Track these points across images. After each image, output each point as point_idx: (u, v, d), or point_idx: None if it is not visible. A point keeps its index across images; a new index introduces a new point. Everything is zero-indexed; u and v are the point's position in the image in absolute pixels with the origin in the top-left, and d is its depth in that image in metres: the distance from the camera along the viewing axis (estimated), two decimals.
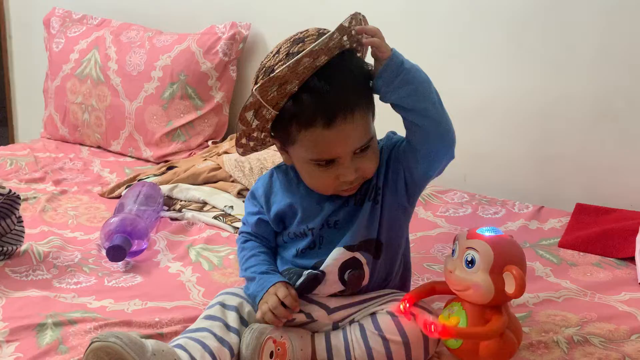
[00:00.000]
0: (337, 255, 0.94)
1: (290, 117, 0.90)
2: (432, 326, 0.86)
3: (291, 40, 0.92)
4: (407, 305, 0.92)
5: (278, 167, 1.03)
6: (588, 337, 1.01)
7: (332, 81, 0.88)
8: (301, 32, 0.93)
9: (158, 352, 0.83)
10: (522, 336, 0.95)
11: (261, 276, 0.96)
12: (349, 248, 0.94)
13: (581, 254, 1.34)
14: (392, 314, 0.92)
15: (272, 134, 0.97)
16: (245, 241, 1.03)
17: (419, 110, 0.89)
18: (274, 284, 0.93)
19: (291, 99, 0.89)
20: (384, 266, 0.98)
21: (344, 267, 0.94)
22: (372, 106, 0.93)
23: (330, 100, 0.87)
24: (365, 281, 0.97)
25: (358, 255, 0.95)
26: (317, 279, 0.94)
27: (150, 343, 0.84)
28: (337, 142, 0.89)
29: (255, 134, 0.98)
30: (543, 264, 1.29)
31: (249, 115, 0.92)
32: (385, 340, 0.90)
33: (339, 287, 0.96)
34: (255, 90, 0.88)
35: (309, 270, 0.94)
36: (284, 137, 0.93)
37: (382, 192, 0.96)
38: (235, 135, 0.99)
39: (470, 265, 0.89)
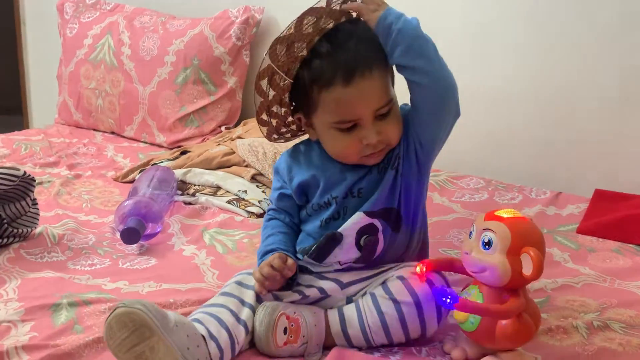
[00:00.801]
0: (356, 220, 0.94)
1: (310, 81, 0.92)
2: (449, 297, 0.85)
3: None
4: (424, 269, 0.91)
5: (301, 143, 1.04)
6: (608, 322, 0.99)
7: (346, 42, 0.91)
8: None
9: (180, 324, 0.83)
10: (540, 321, 0.93)
11: (271, 253, 0.96)
12: (368, 214, 0.94)
13: (600, 240, 1.32)
14: (401, 278, 0.91)
15: (293, 106, 0.97)
16: (270, 219, 1.03)
17: (415, 67, 0.90)
18: (273, 254, 0.94)
19: (305, 65, 0.91)
20: (402, 240, 0.97)
21: (361, 232, 0.94)
22: (389, 68, 0.94)
23: (348, 58, 0.90)
24: (380, 249, 0.96)
25: (376, 222, 0.95)
26: (335, 239, 0.94)
27: (171, 314, 0.84)
28: (358, 101, 0.90)
29: (274, 109, 0.98)
30: (561, 250, 1.27)
31: (264, 84, 0.95)
32: (396, 302, 0.89)
33: (355, 253, 0.95)
34: (265, 54, 0.91)
35: (327, 233, 0.95)
36: (306, 105, 0.94)
37: (402, 161, 0.96)
38: (255, 115, 1.00)
39: (487, 246, 0.88)
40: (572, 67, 1.58)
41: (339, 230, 0.94)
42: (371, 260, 0.97)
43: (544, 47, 1.60)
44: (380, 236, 0.95)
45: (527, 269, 0.85)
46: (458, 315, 0.90)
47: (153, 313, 0.80)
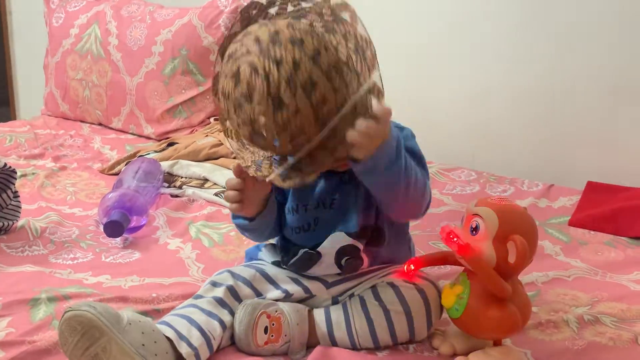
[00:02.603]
0: (334, 239, 0.90)
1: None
2: (456, 238, 0.83)
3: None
4: (412, 267, 0.89)
5: None
6: (599, 316, 0.98)
7: None
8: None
9: (134, 322, 0.80)
10: (530, 314, 0.91)
11: None
12: (348, 234, 0.91)
13: (592, 232, 1.30)
14: (392, 285, 0.89)
15: None
16: None
17: (381, 200, 0.86)
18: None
19: None
20: (389, 251, 0.95)
21: (341, 251, 0.91)
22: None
23: None
24: (365, 266, 0.93)
25: (357, 243, 0.91)
26: (311, 259, 0.91)
27: (126, 313, 0.81)
28: None
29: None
30: (552, 243, 1.25)
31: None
32: (386, 310, 0.87)
33: (335, 270, 0.93)
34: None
35: (305, 250, 0.91)
36: None
37: None
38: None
39: (474, 232, 0.86)
40: (563, 60, 1.56)
41: (317, 249, 0.91)
42: (354, 272, 0.94)
43: (536, 40, 1.58)
44: (363, 255, 0.92)
45: (512, 257, 0.84)
46: (444, 300, 0.89)
47: (102, 313, 0.77)
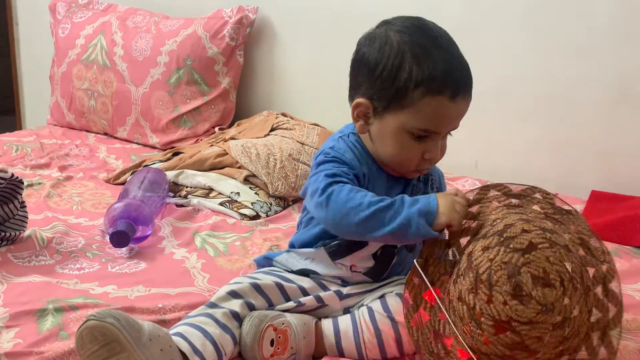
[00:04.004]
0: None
1: (419, 81, 0.86)
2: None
3: None
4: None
5: (346, 136, 0.96)
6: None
7: (458, 53, 0.90)
8: None
9: (154, 337, 0.80)
10: None
11: (404, 199, 0.85)
12: None
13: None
14: (400, 295, 0.89)
15: (368, 95, 0.90)
16: (341, 189, 0.86)
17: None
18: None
19: (415, 60, 0.86)
20: (411, 258, 0.96)
21: (382, 245, 0.93)
22: None
23: (462, 72, 0.89)
24: (391, 264, 0.95)
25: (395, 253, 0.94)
26: (361, 243, 0.92)
27: (147, 326, 0.81)
28: (453, 117, 0.89)
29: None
30: None
31: None
32: (394, 322, 0.88)
33: (370, 262, 0.95)
34: None
35: None
36: (395, 99, 0.87)
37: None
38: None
39: None
40: (568, 67, 1.56)
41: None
42: (380, 276, 0.96)
43: (540, 46, 1.59)
44: (395, 253, 0.95)
45: None
46: None
47: (125, 327, 0.77)
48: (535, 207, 0.87)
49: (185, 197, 1.49)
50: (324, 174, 0.89)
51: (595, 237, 0.86)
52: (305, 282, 0.96)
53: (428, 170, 0.96)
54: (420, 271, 0.84)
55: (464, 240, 0.85)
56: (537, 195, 0.89)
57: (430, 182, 1.00)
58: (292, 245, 1.02)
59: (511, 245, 0.78)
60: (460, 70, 0.88)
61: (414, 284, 0.85)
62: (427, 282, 0.83)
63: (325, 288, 0.95)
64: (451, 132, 0.93)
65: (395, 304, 0.89)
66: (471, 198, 0.88)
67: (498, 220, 0.83)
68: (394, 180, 0.96)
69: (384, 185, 0.95)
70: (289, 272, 0.98)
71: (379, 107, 0.90)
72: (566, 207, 0.87)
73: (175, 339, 0.83)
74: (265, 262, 1.03)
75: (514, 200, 0.88)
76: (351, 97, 0.94)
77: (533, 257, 0.77)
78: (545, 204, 0.88)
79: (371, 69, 0.89)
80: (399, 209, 0.83)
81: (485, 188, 0.90)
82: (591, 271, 0.83)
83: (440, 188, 1.04)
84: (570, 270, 0.77)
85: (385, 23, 0.92)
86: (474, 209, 0.88)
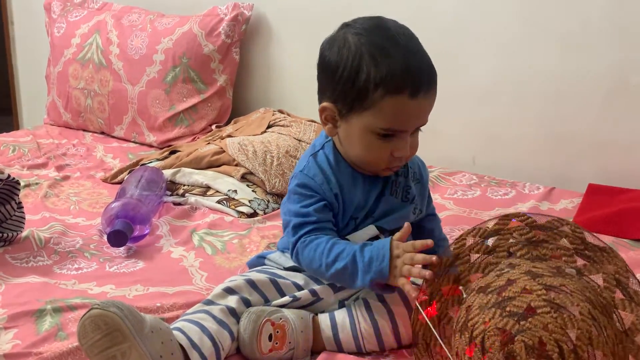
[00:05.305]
0: (366, 231, 0.95)
1: (378, 82, 0.86)
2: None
3: None
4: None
5: (314, 154, 0.97)
6: None
7: (418, 49, 0.88)
8: None
9: (155, 330, 0.81)
10: None
11: (362, 247, 0.87)
12: (379, 228, 0.95)
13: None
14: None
15: (332, 99, 0.91)
16: (314, 239, 0.91)
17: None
18: (390, 243, 0.86)
19: (373, 61, 0.86)
20: None
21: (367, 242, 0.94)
22: None
23: (422, 68, 0.87)
24: None
25: (382, 237, 0.94)
26: None
27: (149, 319, 0.82)
28: (417, 115, 0.89)
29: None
30: None
31: None
32: (389, 311, 0.89)
33: None
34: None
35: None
36: (357, 101, 0.88)
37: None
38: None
39: None
40: (563, 61, 1.56)
41: (347, 237, 0.94)
42: None
43: (535, 42, 1.58)
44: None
45: None
46: None
47: (128, 317, 0.78)
48: (564, 241, 0.81)
49: (183, 195, 1.49)
50: (292, 223, 0.92)
51: (633, 277, 0.78)
52: (298, 278, 0.97)
53: (399, 167, 0.96)
54: (433, 329, 0.81)
55: (474, 277, 0.81)
56: (565, 229, 0.81)
57: (412, 174, 1.00)
58: (279, 250, 1.03)
59: (508, 309, 0.72)
60: (420, 68, 0.87)
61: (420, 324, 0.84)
62: (439, 338, 0.81)
63: (318, 282, 0.96)
64: (421, 128, 0.92)
65: (390, 294, 0.90)
66: (489, 227, 0.83)
67: (505, 270, 0.78)
68: (372, 181, 0.96)
69: (362, 189, 0.95)
70: (281, 269, 0.99)
71: (343, 109, 0.90)
72: (599, 244, 0.81)
73: (175, 333, 0.84)
74: (257, 261, 1.04)
75: (539, 234, 0.80)
76: (319, 102, 0.94)
77: (529, 324, 0.71)
78: (575, 239, 0.81)
79: (332, 73, 0.89)
80: (353, 274, 0.87)
81: (506, 217, 0.83)
82: (629, 317, 0.76)
83: (422, 178, 1.03)
84: (574, 338, 0.70)
85: (345, 26, 0.92)
86: (491, 241, 0.82)
